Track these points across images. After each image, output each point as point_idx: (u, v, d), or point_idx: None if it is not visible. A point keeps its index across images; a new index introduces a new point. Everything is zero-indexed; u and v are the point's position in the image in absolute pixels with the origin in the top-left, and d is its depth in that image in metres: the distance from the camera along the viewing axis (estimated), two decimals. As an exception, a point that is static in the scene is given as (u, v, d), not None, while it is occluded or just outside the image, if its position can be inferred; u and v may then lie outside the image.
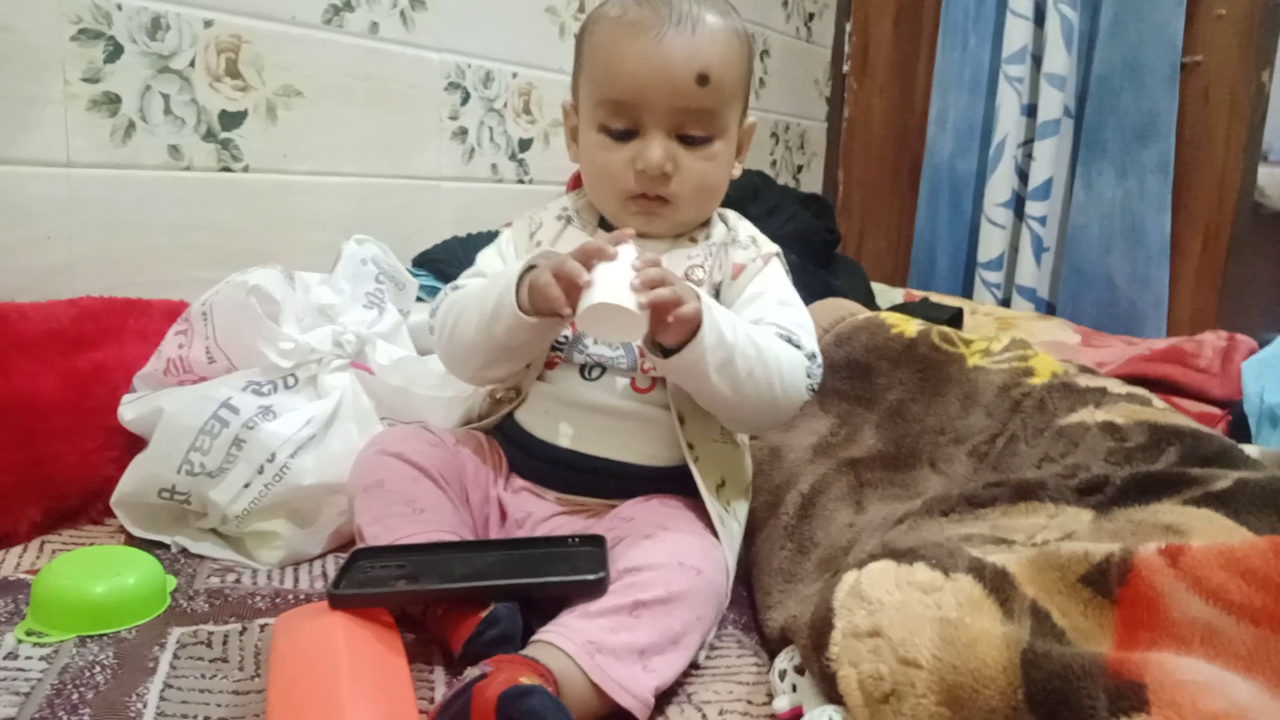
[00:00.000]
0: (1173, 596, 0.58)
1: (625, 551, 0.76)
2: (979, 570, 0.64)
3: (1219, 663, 0.54)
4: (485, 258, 0.95)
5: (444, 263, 1.45)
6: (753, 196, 1.82)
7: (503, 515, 0.89)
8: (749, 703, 0.73)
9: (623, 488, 0.87)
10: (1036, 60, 2.25)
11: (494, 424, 0.94)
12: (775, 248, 0.93)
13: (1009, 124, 2.27)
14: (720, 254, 0.90)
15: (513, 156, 1.74)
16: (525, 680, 0.60)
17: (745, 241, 0.91)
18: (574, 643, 0.67)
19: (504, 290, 0.80)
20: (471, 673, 0.62)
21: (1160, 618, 0.58)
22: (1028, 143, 2.29)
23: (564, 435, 0.87)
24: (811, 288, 1.56)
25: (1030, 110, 2.28)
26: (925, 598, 0.62)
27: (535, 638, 0.69)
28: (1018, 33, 2.24)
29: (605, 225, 0.92)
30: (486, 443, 0.93)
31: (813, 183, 2.77)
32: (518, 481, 0.90)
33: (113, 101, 1.16)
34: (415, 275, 1.30)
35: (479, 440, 0.93)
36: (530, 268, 0.79)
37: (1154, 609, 0.58)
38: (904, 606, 0.62)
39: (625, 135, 0.85)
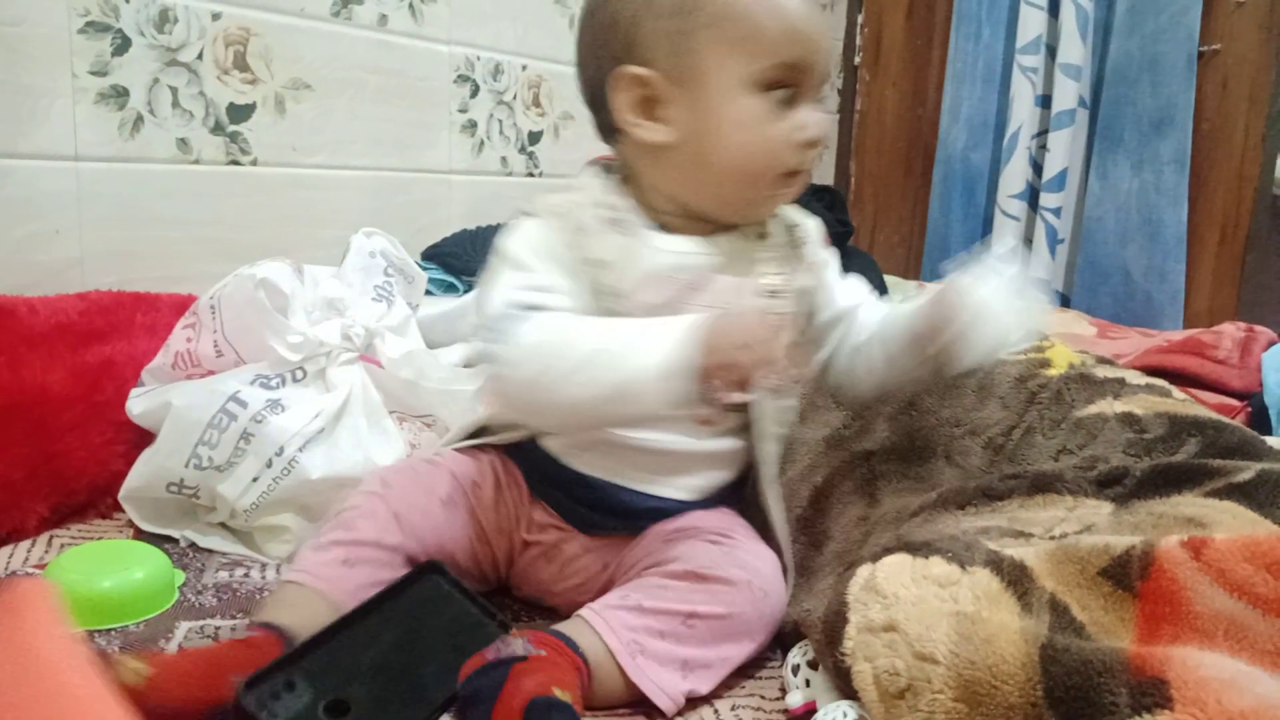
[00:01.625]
0: (1196, 590, 0.56)
1: (690, 547, 0.72)
2: (996, 563, 0.63)
3: (1244, 658, 0.53)
4: (538, 268, 0.73)
5: (453, 256, 1.45)
6: (764, 189, 1.80)
7: (524, 544, 0.81)
8: (761, 698, 0.72)
9: (657, 518, 0.79)
10: (1051, 50, 2.23)
11: (513, 440, 0.82)
12: (815, 219, 0.85)
13: (1023, 115, 2.25)
14: (792, 256, 0.81)
15: (522, 149, 1.73)
16: (559, 694, 0.59)
17: (805, 231, 0.83)
18: (619, 639, 0.66)
19: (650, 381, 0.64)
20: (515, 646, 0.62)
21: (1183, 611, 0.56)
22: (1042, 134, 2.27)
23: (602, 469, 0.78)
24: (824, 280, 1.55)
25: (1045, 101, 2.25)
26: (942, 591, 0.61)
27: (580, 614, 0.68)
28: (1032, 23, 2.22)
29: (665, 226, 0.77)
30: (501, 464, 0.82)
31: (824, 175, 2.74)
32: (539, 507, 0.81)
33: (121, 95, 1.16)
34: (424, 269, 1.30)
35: (494, 467, 0.81)
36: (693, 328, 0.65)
37: (1176, 603, 0.57)
38: (920, 600, 0.61)
39: (787, 104, 0.73)
